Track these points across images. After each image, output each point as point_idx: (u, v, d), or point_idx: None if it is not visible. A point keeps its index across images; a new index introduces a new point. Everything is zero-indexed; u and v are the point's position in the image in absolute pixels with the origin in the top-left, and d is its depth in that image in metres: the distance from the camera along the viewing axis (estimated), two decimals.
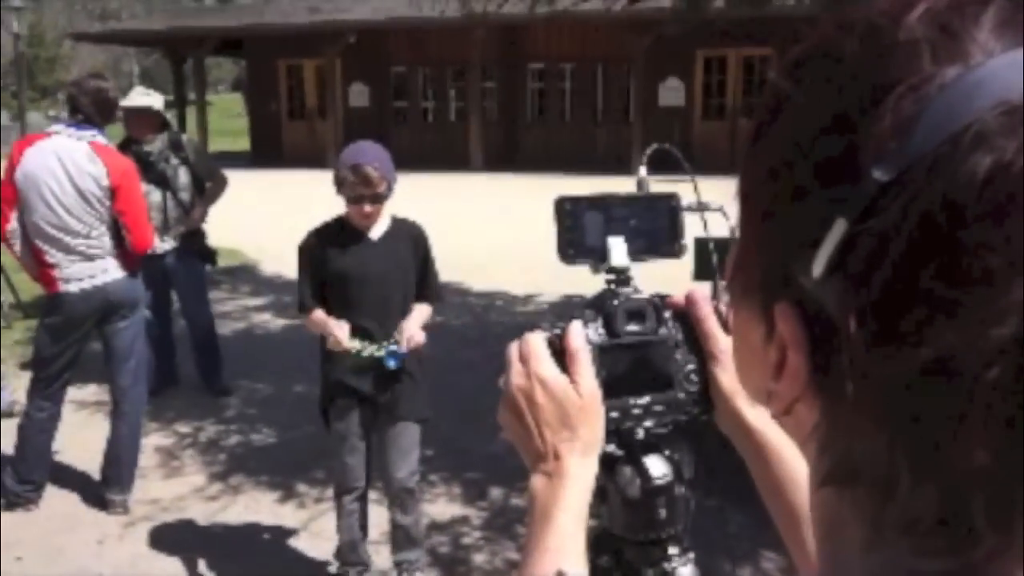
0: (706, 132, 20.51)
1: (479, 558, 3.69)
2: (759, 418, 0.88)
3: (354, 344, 3.06)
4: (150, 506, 4.18)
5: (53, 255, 3.97)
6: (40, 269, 4.02)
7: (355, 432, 3.26)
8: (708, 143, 19.40)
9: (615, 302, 0.87)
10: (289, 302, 8.14)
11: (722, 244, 0.98)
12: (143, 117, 5.22)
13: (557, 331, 0.84)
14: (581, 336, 0.83)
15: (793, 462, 0.86)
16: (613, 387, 0.84)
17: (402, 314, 3.19)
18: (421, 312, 3.23)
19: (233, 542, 3.87)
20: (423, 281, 3.28)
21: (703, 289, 0.92)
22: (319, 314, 3.16)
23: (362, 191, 3.05)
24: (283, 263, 7.63)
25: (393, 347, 3.08)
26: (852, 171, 0.40)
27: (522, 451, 0.83)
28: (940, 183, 0.37)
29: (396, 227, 3.27)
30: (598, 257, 0.91)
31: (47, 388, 4.16)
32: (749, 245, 0.48)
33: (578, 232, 0.91)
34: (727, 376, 0.88)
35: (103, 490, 4.18)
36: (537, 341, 0.83)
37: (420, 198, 13.52)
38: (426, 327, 3.20)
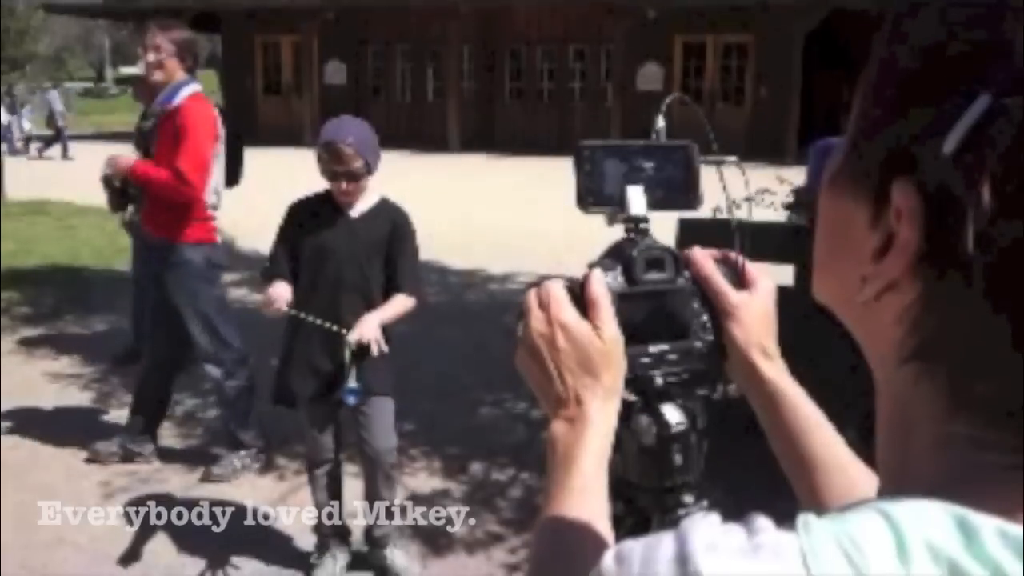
0: (684, 117, 20.55)
1: (460, 530, 3.70)
2: (773, 368, 0.89)
3: (284, 308, 2.99)
4: (128, 477, 4.14)
5: (213, 209, 4.19)
6: (200, 224, 4.13)
7: (324, 409, 3.23)
8: (686, 128, 19.46)
9: (634, 250, 0.87)
10: None
11: (706, 224, 0.99)
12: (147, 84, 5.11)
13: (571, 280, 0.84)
14: (602, 283, 0.83)
15: (807, 409, 0.87)
16: (631, 335, 0.85)
17: (368, 297, 3.12)
18: (394, 305, 3.09)
19: (212, 514, 3.84)
20: (400, 269, 3.15)
21: (700, 250, 0.92)
22: (277, 285, 3.06)
23: (335, 168, 3.00)
24: (259, 239, 7.55)
25: (353, 385, 3.00)
26: (1000, 51, 0.42)
27: (541, 397, 0.83)
28: None
29: (379, 208, 3.19)
30: (616, 205, 0.91)
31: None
32: (868, 131, 0.50)
33: (597, 179, 0.91)
34: (741, 329, 0.89)
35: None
36: (557, 287, 0.83)
37: (397, 177, 13.45)
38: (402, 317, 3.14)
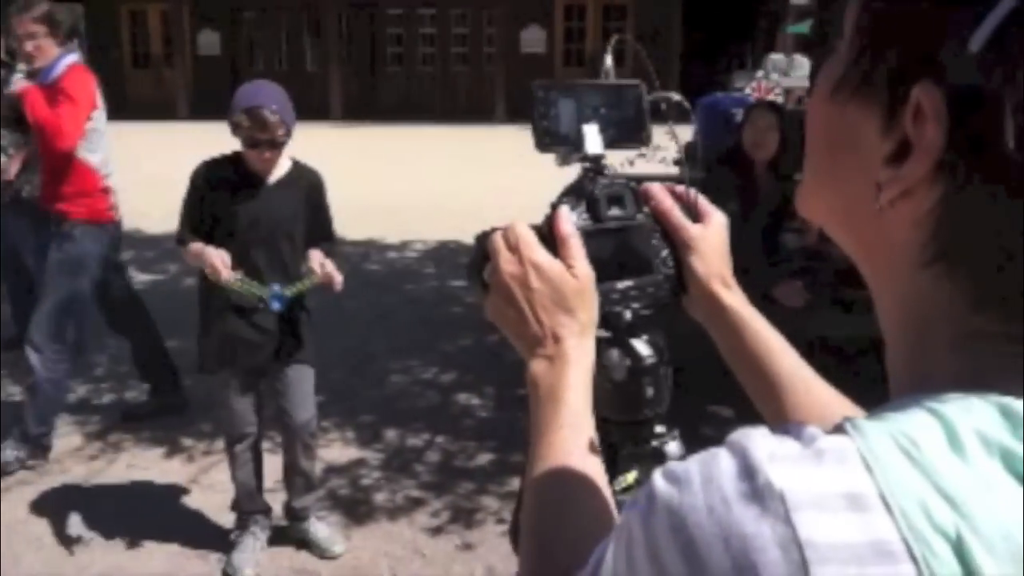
0: (567, 78, 20.75)
1: (379, 497, 3.68)
2: (733, 297, 0.91)
3: (233, 275, 2.89)
4: (24, 470, 3.95)
5: (110, 184, 4.11)
6: (97, 198, 4.06)
7: (244, 378, 3.16)
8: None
9: (596, 188, 0.88)
10: (151, 257, 7.79)
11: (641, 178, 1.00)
12: None
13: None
14: (570, 220, 0.83)
15: (768, 334, 0.90)
16: (597, 271, 0.85)
17: (292, 261, 3.09)
18: (330, 256, 3.06)
19: (120, 501, 3.71)
20: (320, 223, 3.17)
21: (657, 184, 0.94)
22: (197, 245, 2.97)
23: (259, 136, 2.91)
24: (136, 218, 7.28)
25: (276, 288, 2.96)
26: None
27: (516, 339, 0.82)
28: None
29: (294, 173, 3.13)
30: (572, 144, 0.91)
31: (82, 323, 4.13)
32: (877, 37, 0.49)
33: (553, 120, 0.91)
34: (701, 261, 0.91)
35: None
36: (525, 228, 0.83)
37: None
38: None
